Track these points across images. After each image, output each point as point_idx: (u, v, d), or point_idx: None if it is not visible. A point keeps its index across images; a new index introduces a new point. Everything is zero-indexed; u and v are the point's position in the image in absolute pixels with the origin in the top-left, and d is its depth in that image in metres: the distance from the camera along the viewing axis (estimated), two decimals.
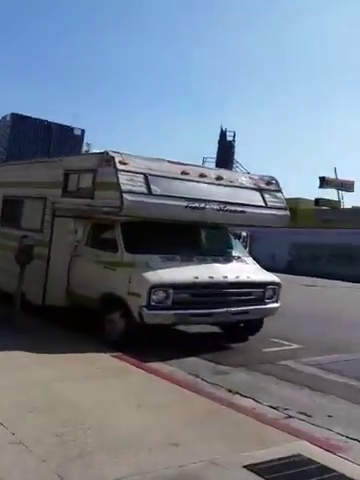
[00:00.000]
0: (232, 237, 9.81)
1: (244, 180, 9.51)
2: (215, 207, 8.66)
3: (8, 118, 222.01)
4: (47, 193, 9.50)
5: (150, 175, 8.15)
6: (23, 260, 8.23)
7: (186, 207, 8.36)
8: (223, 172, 9.84)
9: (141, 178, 8.03)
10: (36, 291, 9.39)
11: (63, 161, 9.68)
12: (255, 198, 9.32)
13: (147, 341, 7.81)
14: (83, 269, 9.00)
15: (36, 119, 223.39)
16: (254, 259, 9.45)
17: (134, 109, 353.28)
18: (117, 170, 7.85)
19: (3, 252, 10.45)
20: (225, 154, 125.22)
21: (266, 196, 9.45)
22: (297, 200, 39.50)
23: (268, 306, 8.84)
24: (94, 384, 6.00)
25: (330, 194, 50.76)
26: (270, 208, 9.46)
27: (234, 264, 8.93)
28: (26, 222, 10.31)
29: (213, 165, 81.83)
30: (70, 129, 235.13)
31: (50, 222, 9.34)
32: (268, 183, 9.68)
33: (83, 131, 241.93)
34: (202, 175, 8.88)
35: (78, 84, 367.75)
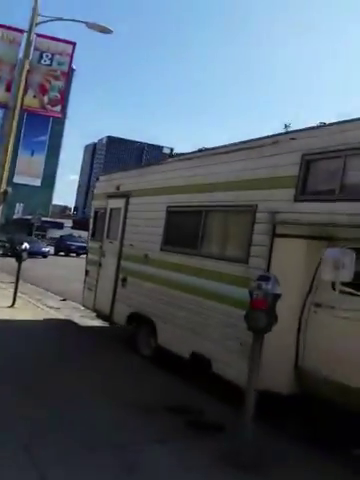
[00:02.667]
0: None
1: None
2: None
3: (104, 141, 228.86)
4: (258, 197, 5.49)
5: None
6: (264, 325, 3.95)
7: None
8: None
9: None
10: (234, 363, 5.44)
11: (300, 139, 5.15)
12: None
13: None
14: (335, 332, 4.81)
15: (128, 140, 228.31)
16: None
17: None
18: None
19: (186, 301, 6.51)
20: None
21: None
22: None
23: None
24: None
25: None
26: None
27: None
28: (210, 247, 6.35)
29: None
30: (160, 148, 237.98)
31: (266, 247, 5.25)
32: None
33: (172, 149, 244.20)
34: None
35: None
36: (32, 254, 23.12)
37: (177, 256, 6.80)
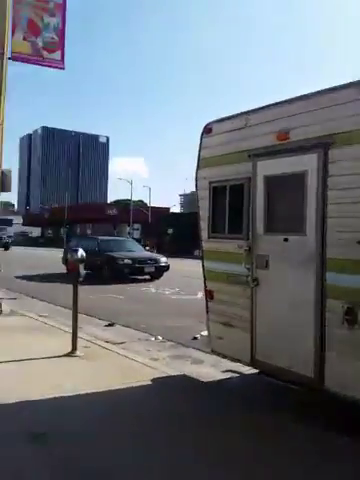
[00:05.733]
0: None
1: None
2: None
3: (39, 132, 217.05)
4: None
5: None
6: None
7: None
8: None
9: None
10: None
11: None
12: None
13: None
14: None
15: (63, 130, 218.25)
16: None
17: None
18: None
19: None
20: None
21: None
22: None
23: None
24: None
25: None
26: None
27: None
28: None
29: None
30: (95, 137, 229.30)
31: None
32: None
33: (108, 138, 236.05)
34: None
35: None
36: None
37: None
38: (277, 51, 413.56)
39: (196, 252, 49.17)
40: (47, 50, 10.37)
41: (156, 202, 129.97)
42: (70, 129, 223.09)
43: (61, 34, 10.58)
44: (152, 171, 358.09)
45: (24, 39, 10.18)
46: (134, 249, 19.78)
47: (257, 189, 4.92)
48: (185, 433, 4.01)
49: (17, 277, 17.27)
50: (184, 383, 5.36)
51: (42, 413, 4.24)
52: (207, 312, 5.49)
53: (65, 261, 18.24)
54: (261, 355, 4.81)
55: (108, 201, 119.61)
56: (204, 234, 5.59)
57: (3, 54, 9.54)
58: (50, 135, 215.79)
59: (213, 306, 5.38)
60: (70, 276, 6.27)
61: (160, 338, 7.83)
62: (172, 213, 73.47)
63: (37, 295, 12.58)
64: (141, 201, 78.34)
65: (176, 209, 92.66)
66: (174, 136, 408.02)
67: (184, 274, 23.99)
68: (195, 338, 7.77)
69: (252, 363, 4.91)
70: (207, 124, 5.57)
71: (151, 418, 4.27)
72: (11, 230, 58.63)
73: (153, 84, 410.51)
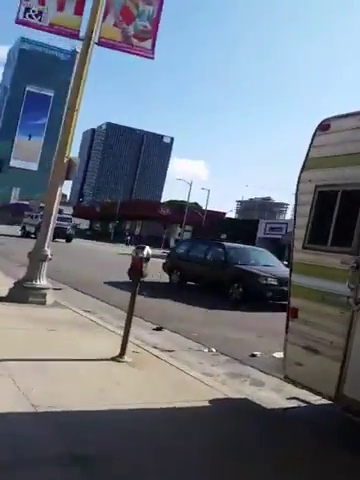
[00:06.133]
0: None
1: None
2: None
3: (103, 127, 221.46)
4: None
5: None
6: None
7: None
8: None
9: None
10: None
11: None
12: None
13: None
14: None
15: (128, 128, 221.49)
16: None
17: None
18: None
19: None
20: None
21: None
22: None
23: None
24: None
25: None
26: None
27: None
28: None
29: None
30: (160, 137, 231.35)
31: None
32: None
33: (172, 139, 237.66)
34: None
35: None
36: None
37: None
38: None
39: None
40: (138, 38, 9.81)
41: (212, 206, 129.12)
42: (135, 127, 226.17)
43: (155, 23, 9.96)
44: (212, 174, 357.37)
45: (115, 25, 9.66)
46: (272, 263, 14.90)
47: None
48: (251, 472, 3.27)
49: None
50: (245, 408, 4.60)
51: (86, 429, 3.58)
52: (286, 332, 4.68)
53: (168, 269, 16.49)
54: (351, 391, 3.94)
55: (162, 201, 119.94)
56: (298, 244, 4.76)
57: (90, 38, 9.10)
58: (114, 131, 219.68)
59: (295, 326, 4.56)
60: (131, 273, 5.62)
61: (214, 350, 7.08)
62: (228, 218, 72.65)
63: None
64: (196, 203, 77.83)
65: (231, 214, 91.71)
66: (238, 142, 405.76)
67: None
68: (254, 355, 6.98)
69: (336, 399, 4.06)
70: (324, 120, 4.78)
71: (214, 449, 3.57)
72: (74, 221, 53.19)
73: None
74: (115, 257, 30.20)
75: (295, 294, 4.68)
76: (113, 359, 5.39)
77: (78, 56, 9.62)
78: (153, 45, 9.86)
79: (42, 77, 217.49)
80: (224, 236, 55.52)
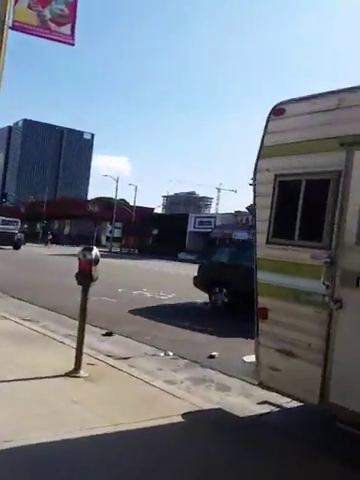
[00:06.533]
0: None
1: None
2: None
3: (20, 124, 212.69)
4: None
5: None
6: None
7: None
8: None
9: None
10: None
11: None
12: None
13: None
14: None
15: (46, 124, 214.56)
16: None
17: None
18: None
19: None
20: None
21: None
22: None
23: None
24: None
25: None
26: None
27: None
28: None
29: None
30: (79, 133, 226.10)
31: None
32: None
33: (93, 135, 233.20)
34: None
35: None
36: None
37: None
38: None
39: (181, 254, 48.30)
40: (55, 23, 9.11)
41: (138, 202, 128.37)
42: (54, 123, 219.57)
43: (72, 8, 9.28)
44: (135, 171, 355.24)
45: (29, 7, 8.92)
46: None
47: (352, 187, 3.74)
48: None
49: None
50: (219, 419, 4.25)
51: (50, 463, 3.07)
52: (257, 334, 4.36)
53: (204, 285, 11.96)
54: (338, 397, 3.67)
55: (88, 198, 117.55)
56: (261, 238, 4.42)
57: (4, 22, 8.28)
58: (32, 128, 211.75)
59: (267, 328, 4.24)
60: (80, 278, 5.07)
61: (170, 354, 6.70)
62: (157, 213, 72.41)
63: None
64: (123, 200, 76.93)
65: (158, 210, 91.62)
66: (158, 136, 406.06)
67: (176, 277, 22.94)
68: (212, 356, 6.68)
69: (322, 404, 3.79)
70: (277, 104, 4.45)
71: (203, 477, 3.17)
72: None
73: (146, 80, 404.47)
74: (45, 258, 29.00)
75: (262, 293, 4.36)
76: (67, 375, 4.85)
77: None
78: (72, 30, 9.22)
79: None
80: (156, 232, 55.26)
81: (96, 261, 5.12)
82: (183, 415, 4.11)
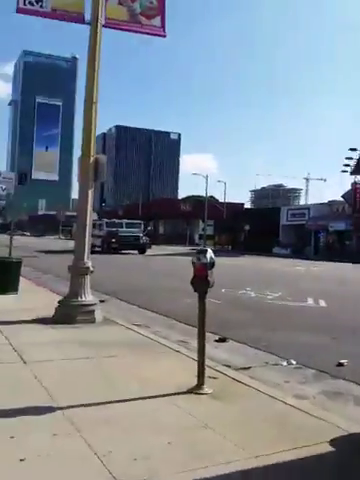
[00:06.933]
0: None
1: None
2: None
3: (113, 130, 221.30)
4: None
5: None
6: None
7: None
8: None
9: None
10: None
11: None
12: None
13: None
14: None
15: (135, 128, 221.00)
16: None
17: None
18: None
19: None
20: None
21: None
22: None
23: None
24: None
25: None
26: None
27: None
28: None
29: None
30: (167, 134, 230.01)
31: None
32: None
33: (179, 135, 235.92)
34: None
35: None
36: None
37: None
38: None
39: (275, 249, 46.93)
40: (145, 16, 8.94)
41: (226, 198, 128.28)
42: (142, 127, 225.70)
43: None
44: (221, 167, 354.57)
45: (119, 4, 8.83)
46: None
47: None
48: None
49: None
50: None
51: None
52: None
53: None
54: None
55: (179, 197, 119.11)
56: None
57: (97, 21, 8.20)
58: (123, 134, 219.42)
59: None
60: (196, 284, 4.67)
61: (293, 362, 6.09)
62: (247, 209, 71.30)
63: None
64: (213, 197, 76.79)
65: (247, 205, 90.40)
66: (242, 132, 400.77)
67: (277, 274, 22.06)
68: (340, 364, 5.97)
69: None
70: None
71: None
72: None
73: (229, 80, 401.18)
74: (145, 259, 29.44)
75: None
76: (190, 391, 4.46)
77: (86, 46, 8.61)
78: (162, 22, 9.00)
79: (48, 87, 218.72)
80: (247, 227, 54.22)
81: (212, 265, 4.67)
82: (331, 442, 3.52)
